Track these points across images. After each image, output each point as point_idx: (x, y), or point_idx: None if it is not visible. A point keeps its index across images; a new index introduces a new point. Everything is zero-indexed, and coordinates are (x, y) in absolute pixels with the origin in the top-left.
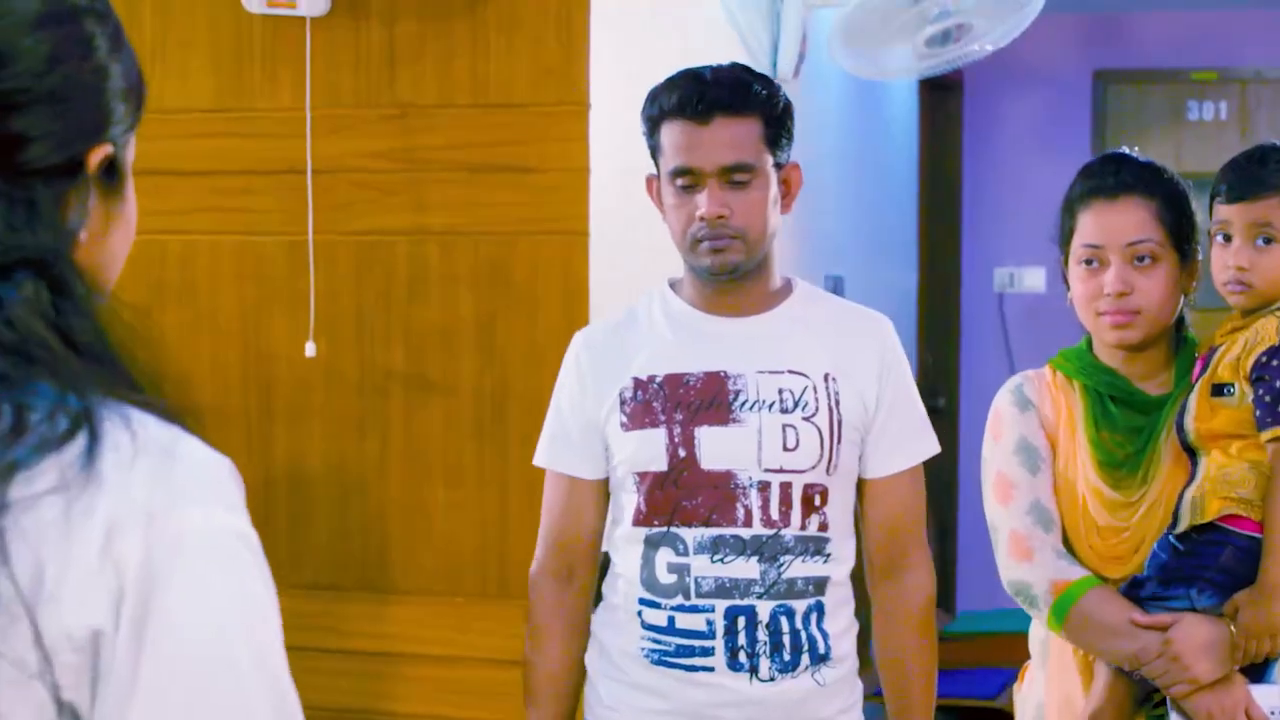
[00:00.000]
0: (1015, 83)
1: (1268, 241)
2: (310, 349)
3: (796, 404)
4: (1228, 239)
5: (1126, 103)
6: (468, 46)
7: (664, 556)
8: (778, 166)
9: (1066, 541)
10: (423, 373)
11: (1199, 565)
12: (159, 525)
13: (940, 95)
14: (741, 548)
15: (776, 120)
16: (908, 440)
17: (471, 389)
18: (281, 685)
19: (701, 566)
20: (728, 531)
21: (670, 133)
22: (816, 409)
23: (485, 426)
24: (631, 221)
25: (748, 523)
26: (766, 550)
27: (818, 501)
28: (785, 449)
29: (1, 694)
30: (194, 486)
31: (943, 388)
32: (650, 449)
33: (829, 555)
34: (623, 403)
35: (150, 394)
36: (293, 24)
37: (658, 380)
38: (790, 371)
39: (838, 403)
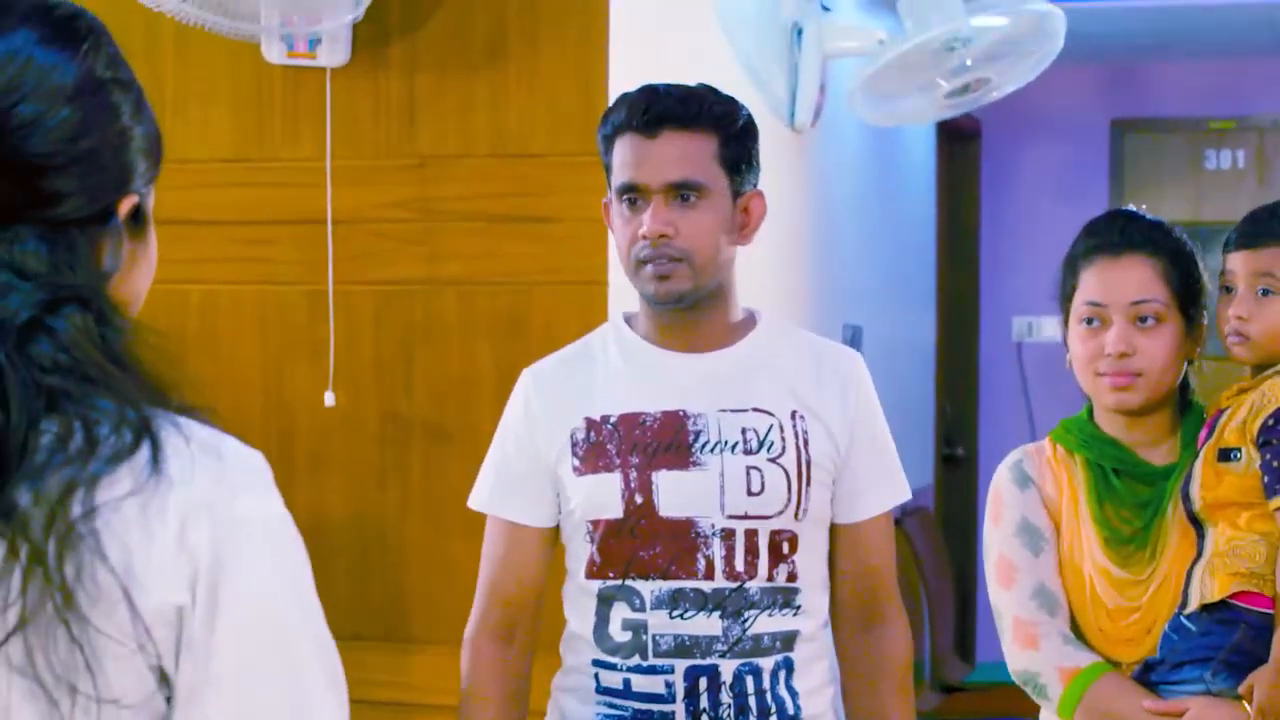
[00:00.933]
0: (1033, 132)
1: (1266, 293)
2: (329, 398)
3: (762, 444)
4: (1229, 290)
5: (1144, 152)
6: (487, 98)
7: (619, 612)
8: (736, 193)
9: (1075, 625)
10: (442, 422)
11: (1212, 646)
12: (220, 514)
13: (958, 145)
14: (702, 602)
15: (734, 139)
16: (880, 483)
17: (490, 438)
18: (323, 638)
19: (659, 623)
20: (688, 584)
21: (619, 148)
22: (783, 449)
23: None
24: None
25: (709, 574)
26: (729, 604)
27: (786, 549)
28: (750, 493)
29: (110, 665)
30: (242, 478)
31: (961, 437)
32: (604, 494)
33: (799, 608)
34: (574, 444)
35: (181, 402)
36: (313, 75)
37: (612, 420)
38: (755, 410)
39: (806, 443)
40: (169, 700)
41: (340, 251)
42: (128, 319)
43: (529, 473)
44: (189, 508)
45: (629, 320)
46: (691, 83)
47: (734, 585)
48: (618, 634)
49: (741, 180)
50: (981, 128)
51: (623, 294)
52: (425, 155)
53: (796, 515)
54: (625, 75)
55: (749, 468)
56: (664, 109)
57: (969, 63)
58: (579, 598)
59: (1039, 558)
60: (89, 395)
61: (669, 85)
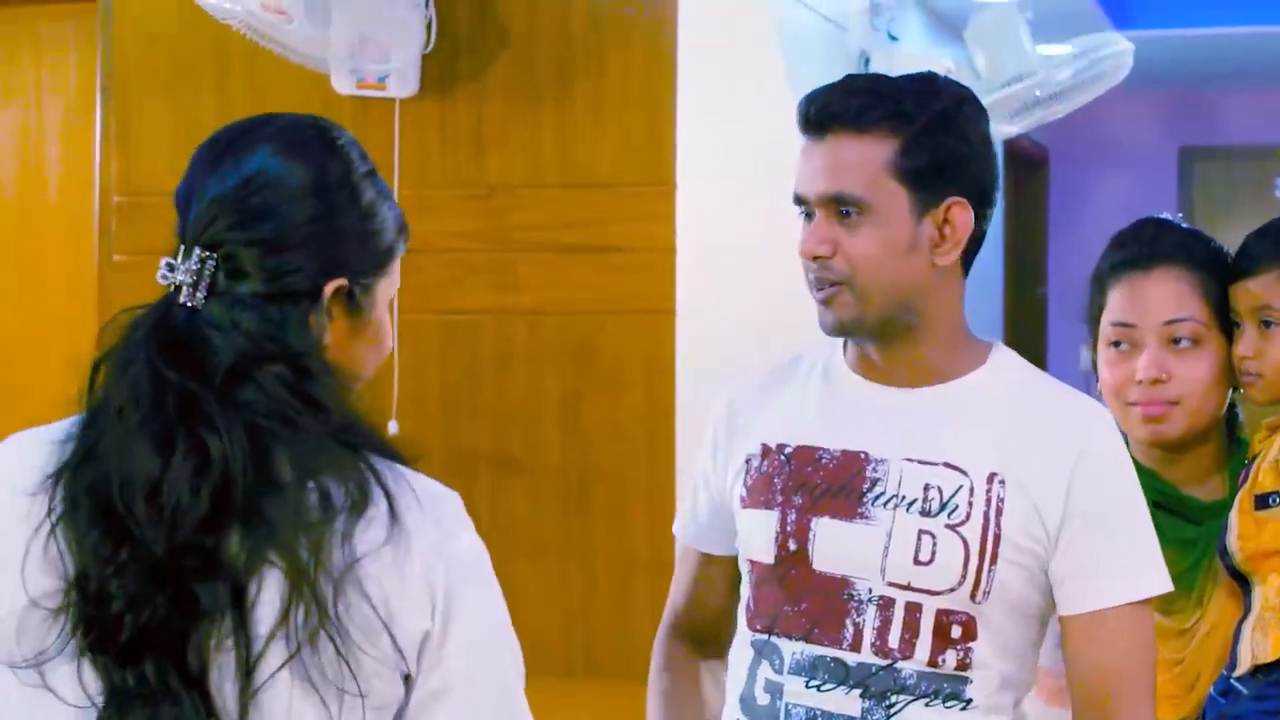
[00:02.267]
0: (1101, 160)
1: (1268, 325)
2: (393, 427)
3: (943, 507)
4: (1237, 326)
5: (1212, 179)
6: (555, 127)
7: (764, 671)
8: (925, 205)
9: None
10: (508, 451)
11: (1268, 712)
12: (447, 553)
13: (1026, 172)
14: (843, 675)
15: (921, 143)
16: (1113, 569)
17: (557, 467)
18: (516, 648)
19: (795, 691)
20: (829, 652)
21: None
22: (968, 516)
23: (570, 505)
24: (718, 301)
25: (855, 646)
26: (874, 684)
27: (957, 634)
28: (917, 561)
29: (373, 681)
30: (454, 521)
31: None
32: (760, 534)
33: (969, 703)
34: (747, 472)
35: (371, 440)
36: (382, 105)
37: (788, 450)
38: (946, 465)
39: (999, 512)
40: (408, 693)
41: (407, 281)
42: (348, 381)
43: (713, 503)
44: (427, 554)
45: (848, 342)
46: (899, 73)
47: (883, 663)
48: (759, 694)
49: (932, 190)
50: (1049, 155)
51: (690, 323)
52: (493, 185)
53: (974, 596)
54: (692, 104)
55: (921, 531)
56: (831, 106)
57: (1038, 93)
58: (738, 644)
59: None
60: (294, 438)
61: (859, 77)
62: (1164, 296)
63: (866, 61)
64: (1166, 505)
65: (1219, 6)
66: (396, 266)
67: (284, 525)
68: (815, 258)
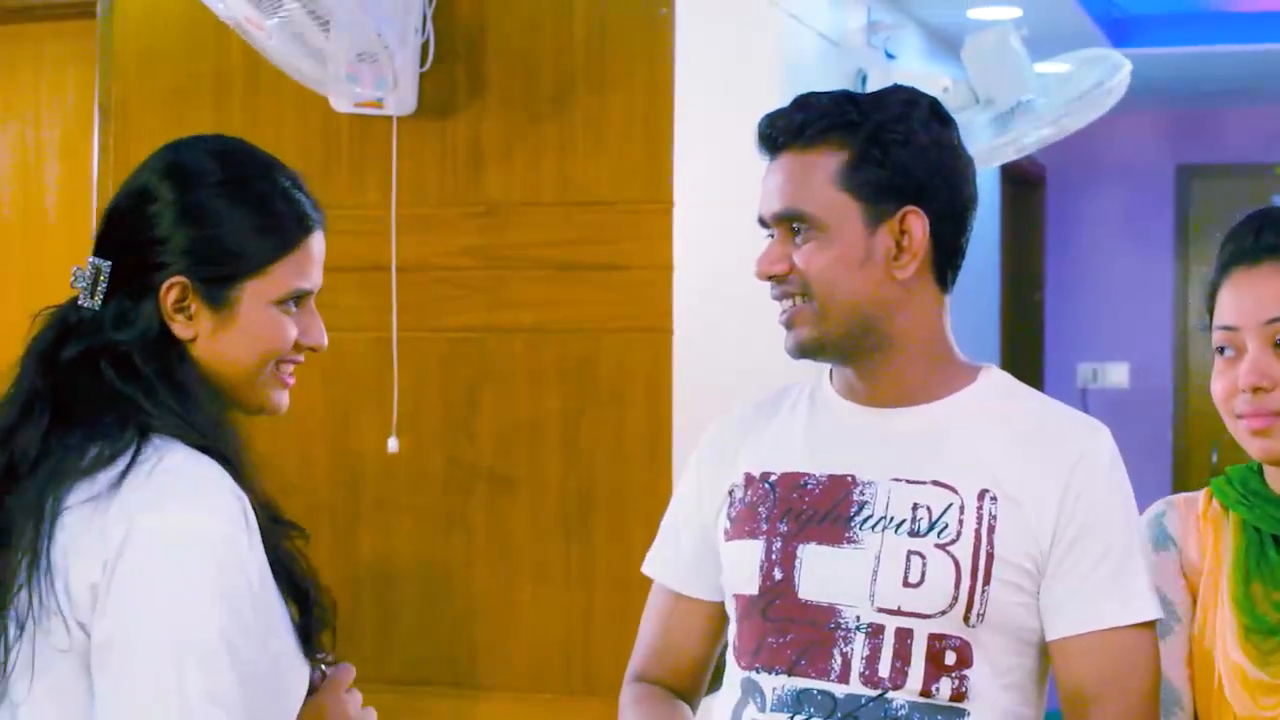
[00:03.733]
0: (1098, 177)
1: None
2: (393, 444)
3: (932, 526)
4: (1224, 351)
5: (1210, 197)
6: (553, 145)
7: (749, 711)
8: (879, 215)
9: None
10: (508, 469)
11: None
12: (141, 518)
13: (1023, 190)
14: (829, 709)
15: (870, 152)
16: (1104, 593)
17: (557, 485)
18: (191, 627)
19: None
20: (815, 685)
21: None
22: (958, 535)
23: (571, 523)
24: (716, 319)
25: (843, 677)
26: (863, 716)
27: (950, 660)
28: (906, 583)
29: (53, 620)
30: (175, 496)
31: None
32: (746, 565)
33: None
34: (730, 503)
35: (208, 435)
36: (379, 123)
37: (772, 478)
38: (935, 483)
39: (991, 529)
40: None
41: (405, 299)
42: (219, 371)
43: (696, 538)
44: (120, 513)
45: (834, 369)
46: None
47: (873, 694)
48: None
49: (884, 201)
50: (1046, 173)
51: (688, 342)
52: (491, 203)
53: (967, 619)
54: (691, 122)
55: (910, 552)
56: (781, 124)
57: (1034, 137)
58: (726, 688)
59: (1165, 640)
60: (118, 421)
61: (821, 93)
62: (1268, 294)
63: (864, 80)
64: None
65: (1216, 25)
66: (287, 269)
67: (41, 477)
68: (770, 277)
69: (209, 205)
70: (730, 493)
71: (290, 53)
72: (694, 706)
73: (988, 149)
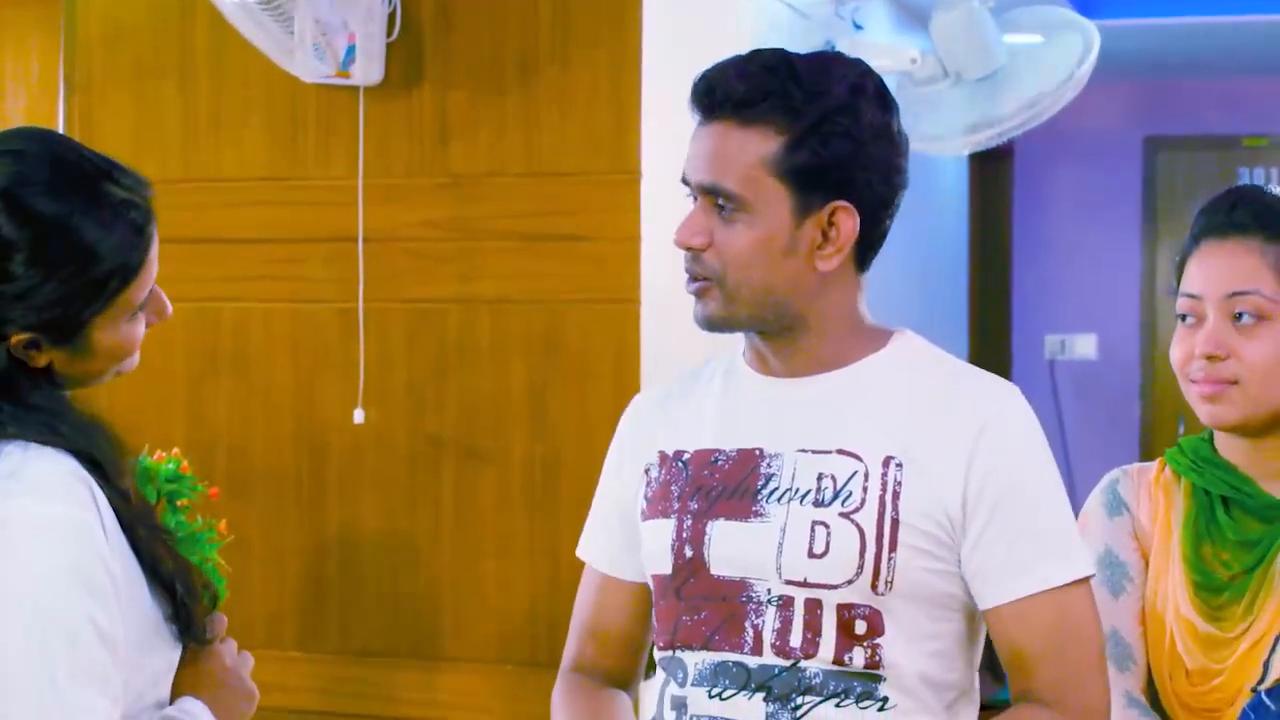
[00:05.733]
0: (1066, 150)
1: (1242, 317)
2: (359, 415)
3: (836, 495)
4: (1185, 319)
5: (1177, 169)
6: (520, 117)
7: (669, 689)
8: (808, 206)
9: (1152, 684)
10: (474, 441)
11: None
12: None
13: (991, 163)
14: (744, 680)
15: (808, 140)
16: (1033, 555)
17: (522, 458)
18: (28, 618)
19: (698, 702)
20: (730, 658)
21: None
22: (862, 503)
23: (536, 495)
24: (682, 290)
25: (756, 649)
26: (777, 686)
27: (861, 629)
28: (811, 554)
29: None
30: (11, 488)
31: None
32: (658, 544)
33: (886, 703)
34: (647, 483)
35: (74, 440)
36: (346, 94)
37: (685, 457)
38: (840, 452)
39: (896, 496)
40: None
41: (372, 270)
42: (46, 389)
43: (621, 517)
44: None
45: (746, 339)
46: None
47: (785, 664)
48: (666, 714)
49: (815, 192)
50: (1014, 145)
51: (656, 313)
52: (458, 174)
53: (875, 587)
54: (657, 93)
55: (815, 523)
56: (719, 89)
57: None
58: (657, 666)
59: (1118, 599)
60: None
61: (762, 53)
62: (1232, 267)
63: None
64: (1236, 501)
65: None
66: (132, 290)
67: None
68: (689, 248)
69: (55, 255)
70: (646, 472)
71: (255, 27)
72: (632, 692)
73: (966, 141)
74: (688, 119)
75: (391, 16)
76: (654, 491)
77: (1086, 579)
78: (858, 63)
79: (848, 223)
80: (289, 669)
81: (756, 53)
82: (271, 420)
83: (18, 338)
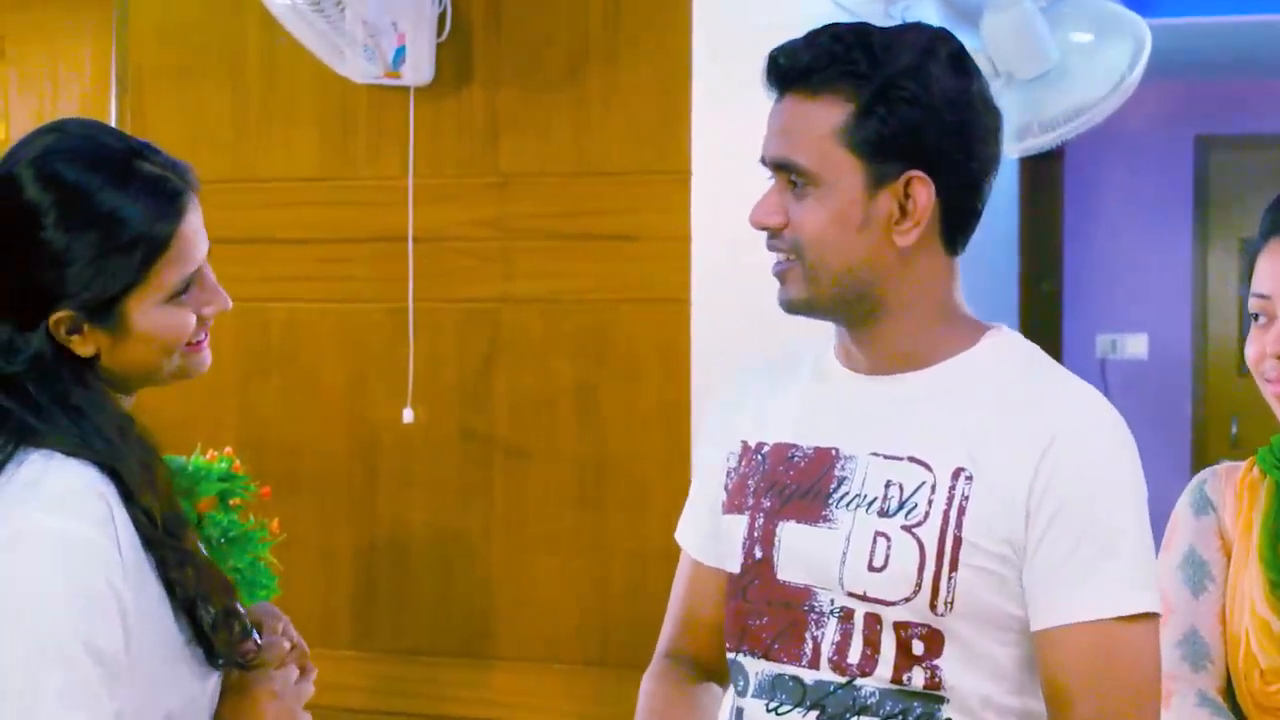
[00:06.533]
0: (1117, 149)
1: None
2: (408, 414)
3: (901, 506)
4: (1258, 318)
5: (1228, 168)
6: (569, 116)
7: (733, 695)
8: (881, 177)
9: (1230, 684)
10: (523, 440)
11: None
12: None
13: (1041, 163)
14: (800, 695)
15: (878, 107)
16: (1089, 580)
17: (572, 456)
18: (27, 631)
19: (755, 715)
20: (788, 670)
21: None
22: (926, 516)
23: (586, 493)
24: (733, 289)
25: (813, 662)
26: (831, 705)
27: (920, 649)
28: (871, 567)
29: None
30: (23, 501)
31: None
32: (732, 542)
33: None
34: (728, 473)
35: (101, 450)
36: (396, 94)
37: (765, 449)
38: (911, 459)
39: (961, 511)
40: None
41: (421, 269)
42: (127, 379)
43: (704, 497)
44: None
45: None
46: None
47: (841, 680)
48: None
49: (888, 162)
50: (1064, 145)
51: (705, 312)
52: (507, 173)
53: (934, 606)
54: (707, 92)
55: (877, 533)
56: (790, 62)
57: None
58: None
59: (1198, 599)
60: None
61: (835, 25)
62: None
63: None
64: None
65: None
66: (166, 267)
67: None
68: (764, 227)
69: (80, 219)
70: (728, 460)
71: (305, 28)
72: (723, 679)
73: (1017, 146)
74: (738, 116)
75: (441, 17)
76: (733, 483)
77: (1149, 616)
78: (936, 29)
79: (923, 193)
80: (341, 668)
81: (830, 25)
82: (322, 419)
83: (56, 317)
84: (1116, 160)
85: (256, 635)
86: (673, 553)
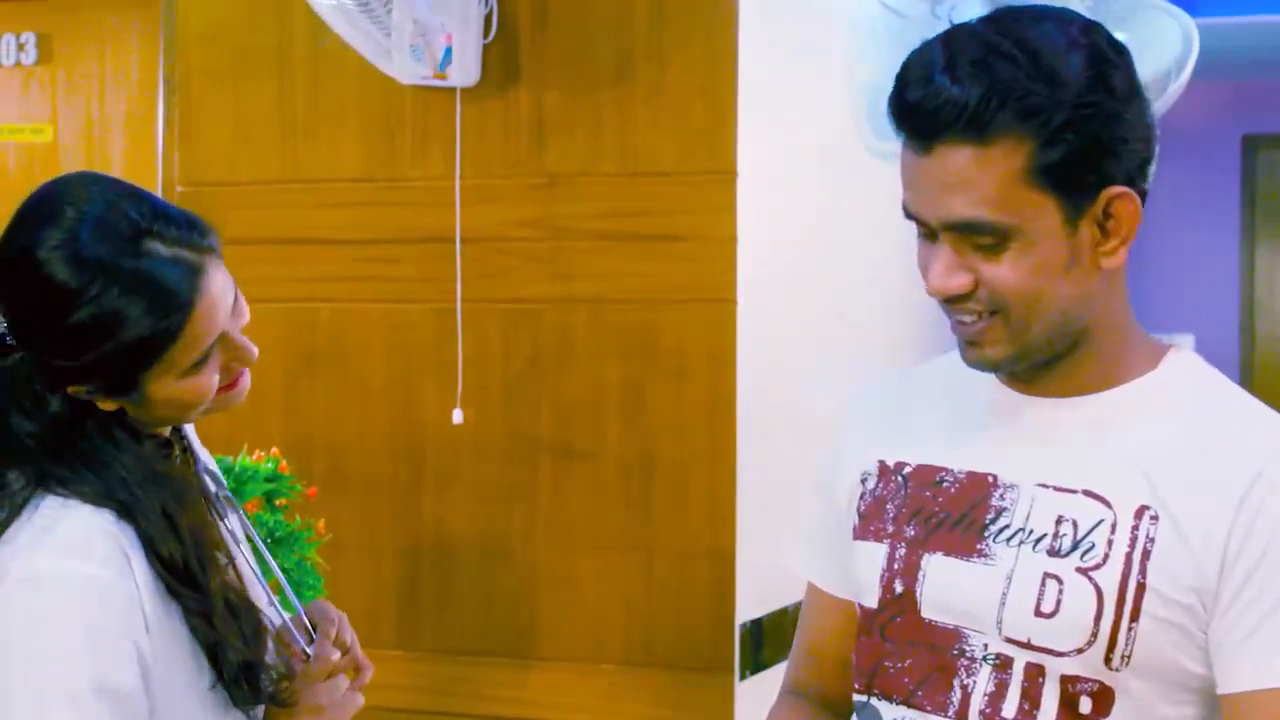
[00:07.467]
0: (1163, 149)
1: None
2: (458, 416)
3: (1076, 545)
4: None
5: (1276, 168)
6: (615, 115)
7: None
8: (1079, 206)
9: None
10: (569, 440)
11: None
12: (3, 569)
13: None
14: None
15: (1064, 135)
16: (1274, 642)
17: (618, 457)
18: (44, 689)
19: None
20: (930, 719)
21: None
22: (1105, 558)
23: (632, 495)
24: (780, 290)
25: (961, 713)
26: None
27: (1087, 707)
28: (1039, 612)
29: None
30: (36, 545)
31: None
32: (866, 571)
33: None
34: (861, 494)
35: (122, 497)
36: (443, 95)
37: (906, 470)
38: (1087, 493)
39: (1146, 555)
40: None
41: (468, 270)
42: (106, 441)
43: (827, 522)
44: None
45: None
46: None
47: None
48: None
49: (1084, 187)
50: None
51: (752, 313)
52: (554, 173)
53: (1109, 660)
54: (753, 92)
55: (1047, 575)
56: (938, 110)
57: None
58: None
59: None
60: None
61: (962, 45)
62: None
63: None
64: None
65: None
66: (182, 348)
67: None
68: (952, 297)
69: (81, 324)
70: (862, 480)
71: (351, 28)
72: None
73: None
74: (785, 116)
75: (488, 17)
76: (867, 507)
77: None
78: (1080, 20)
79: (1127, 208)
80: (386, 667)
81: (956, 50)
82: (368, 419)
83: (74, 389)
84: (1163, 160)
85: (307, 639)
86: (718, 552)
